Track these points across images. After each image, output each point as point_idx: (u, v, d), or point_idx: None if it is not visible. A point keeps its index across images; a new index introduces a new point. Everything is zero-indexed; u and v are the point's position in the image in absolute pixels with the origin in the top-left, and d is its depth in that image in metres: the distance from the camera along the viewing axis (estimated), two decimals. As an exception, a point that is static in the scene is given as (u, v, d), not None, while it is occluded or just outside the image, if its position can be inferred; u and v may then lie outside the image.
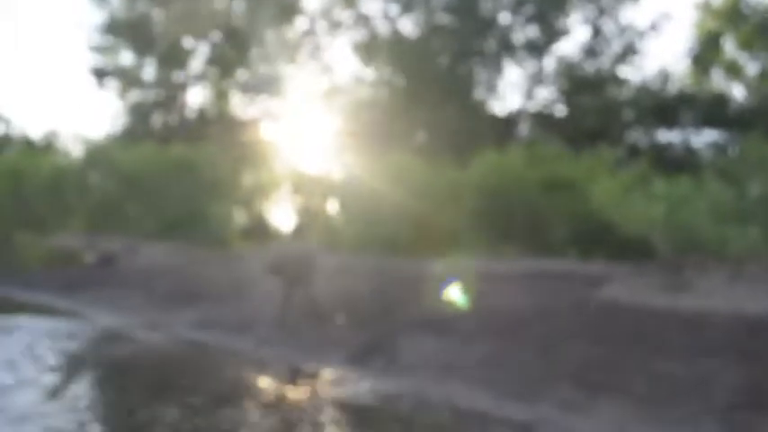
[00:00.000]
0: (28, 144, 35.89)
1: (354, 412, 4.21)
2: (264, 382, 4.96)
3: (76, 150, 29.12)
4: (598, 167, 14.55)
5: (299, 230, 18.61)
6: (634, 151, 16.33)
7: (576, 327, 6.23)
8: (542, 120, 25.09)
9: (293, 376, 4.83)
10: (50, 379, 4.66)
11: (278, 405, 4.34)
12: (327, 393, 4.67)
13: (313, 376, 5.06)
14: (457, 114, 24.11)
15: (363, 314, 6.89)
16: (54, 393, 4.29)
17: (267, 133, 32.87)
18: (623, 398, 4.18)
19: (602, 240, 13.56)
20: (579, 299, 7.82)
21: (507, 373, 4.80)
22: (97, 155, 21.44)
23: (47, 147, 35.54)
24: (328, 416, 4.21)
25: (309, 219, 24.87)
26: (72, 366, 5.27)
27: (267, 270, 6.44)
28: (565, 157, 15.67)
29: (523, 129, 27.09)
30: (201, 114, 32.30)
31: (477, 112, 25.15)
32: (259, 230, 23.98)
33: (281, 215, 30.99)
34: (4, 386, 4.35)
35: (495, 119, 25.93)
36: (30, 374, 4.68)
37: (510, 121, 26.01)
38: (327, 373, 5.11)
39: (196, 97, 33.93)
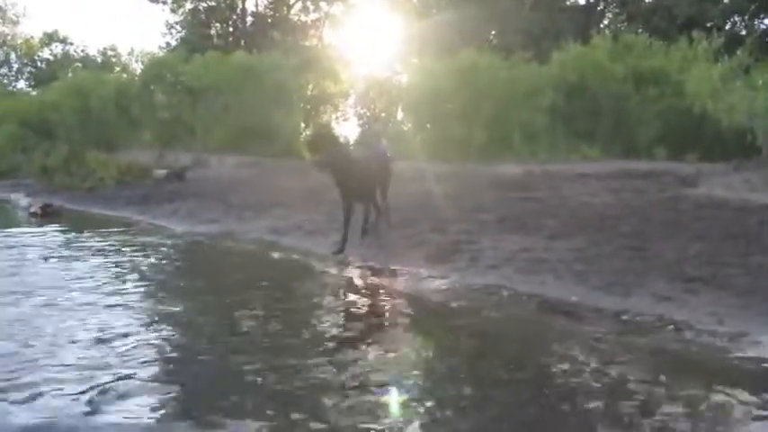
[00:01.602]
0: (88, 62, 37.00)
1: (436, 304, 4.38)
2: (343, 279, 5.20)
3: (137, 66, 29.77)
4: (693, 58, 13.85)
5: (366, 137, 18.56)
6: (734, 40, 15.34)
7: (669, 223, 6.20)
8: (628, 9, 23.77)
9: (373, 273, 5.04)
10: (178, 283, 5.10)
11: (358, 299, 4.55)
12: (409, 288, 4.86)
13: (393, 274, 5.25)
14: (532, 6, 23.13)
15: (441, 218, 7.00)
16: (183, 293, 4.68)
17: (330, 38, 32.66)
18: (720, 291, 4.18)
19: (695, 138, 13.10)
20: (671, 197, 7.73)
21: (598, 267, 4.85)
22: (158, 68, 21.89)
23: (106, 64, 36.54)
24: (408, 307, 4.39)
25: (377, 126, 25.02)
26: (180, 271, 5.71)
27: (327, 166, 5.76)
28: (655, 47, 14.95)
29: (606, 20, 25.81)
30: (261, 20, 32.20)
31: (555, 3, 24.04)
32: (326, 140, 24.28)
33: (349, 124, 31.29)
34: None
35: (574, 9, 24.75)
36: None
37: (591, 12, 24.80)
38: (407, 272, 5.29)
39: (254, 1, 33.79)
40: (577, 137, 13.65)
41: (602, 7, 25.57)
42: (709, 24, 18.87)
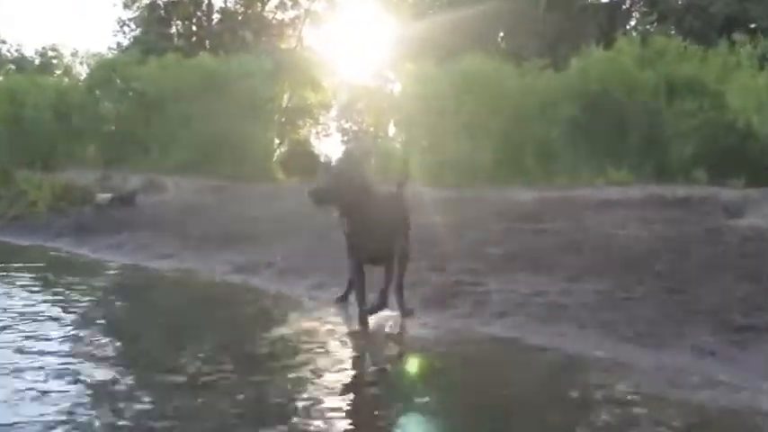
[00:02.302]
0: (23, 63, 37.03)
1: (430, 360, 4.29)
2: (330, 329, 5.09)
3: (82, 69, 29.83)
4: (734, 65, 13.97)
5: (350, 158, 18.66)
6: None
7: (712, 261, 6.16)
8: (658, 7, 24.07)
9: (362, 321, 4.92)
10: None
11: (352, 354, 4.46)
12: (399, 340, 4.77)
13: (384, 320, 5.17)
14: (548, 4, 23.40)
15: (440, 253, 6.95)
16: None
17: (311, 39, 32.88)
18: (777, 344, 4.13)
19: (739, 158, 13.16)
20: (713, 228, 7.71)
21: (627, 315, 4.79)
22: (107, 72, 21.90)
23: (45, 66, 36.57)
24: (405, 362, 4.31)
25: (365, 144, 25.08)
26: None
27: (320, 198, 4.61)
28: (690, 52, 15.08)
29: (633, 20, 26.13)
30: (230, 17, 32.43)
31: (574, 1, 24.34)
32: (305, 161, 24.31)
33: (331, 141, 31.34)
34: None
35: (596, 8, 25.06)
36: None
37: (615, 11, 25.12)
38: (398, 320, 5.21)
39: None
40: (602, 157, 13.67)
41: (627, 6, 25.90)
42: (752, 25, 19.13)
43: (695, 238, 7.36)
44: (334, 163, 4.94)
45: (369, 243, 4.85)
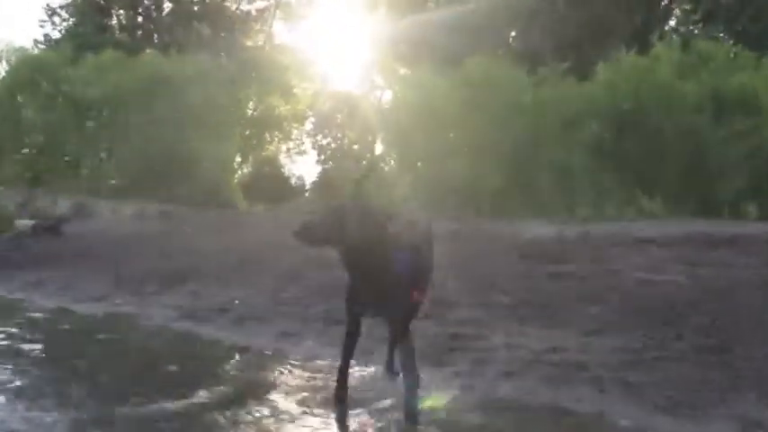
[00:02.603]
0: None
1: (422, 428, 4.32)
2: (287, 389, 5.09)
3: (0, 67, 29.81)
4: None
5: (327, 183, 18.64)
6: None
7: (765, 314, 6.21)
8: (704, 5, 24.39)
9: (338, 393, 4.88)
10: None
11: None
12: (382, 406, 4.77)
13: (369, 381, 5.18)
14: (570, -1, 23.65)
15: (437, 299, 6.96)
16: None
17: (283, 36, 33.10)
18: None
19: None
20: (768, 275, 7.77)
21: (660, 378, 4.83)
22: (31, 72, 21.91)
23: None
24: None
25: (347, 164, 25.18)
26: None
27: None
28: (742, 60, 15.29)
29: (673, 20, 26.44)
30: (184, 8, 32.54)
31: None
32: (271, 183, 24.39)
33: (306, 161, 31.36)
34: None
35: (628, 4, 25.33)
36: None
37: (651, 9, 25.40)
38: (382, 380, 5.21)
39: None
40: (632, 186, 13.78)
41: (666, 2, 26.18)
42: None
43: (745, 285, 7.40)
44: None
45: (373, 293, 4.60)
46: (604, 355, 5.35)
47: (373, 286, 4.54)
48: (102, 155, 19.42)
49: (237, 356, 6.14)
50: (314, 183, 27.54)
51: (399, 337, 4.74)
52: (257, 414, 4.59)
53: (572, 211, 13.22)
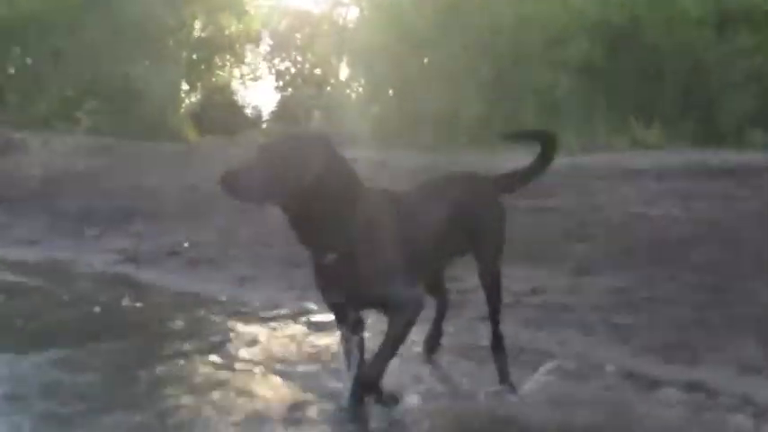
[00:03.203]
0: None
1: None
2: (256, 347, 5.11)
3: None
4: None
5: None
6: None
7: (768, 252, 6.33)
8: None
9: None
10: None
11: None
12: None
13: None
14: None
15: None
16: None
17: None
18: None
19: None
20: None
21: (652, 320, 4.94)
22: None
23: None
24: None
25: (308, 91, 25.03)
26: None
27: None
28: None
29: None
30: None
31: None
32: (224, 113, 24.23)
33: (262, 87, 31.03)
34: None
35: None
36: None
37: None
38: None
39: None
40: (625, 111, 13.86)
41: None
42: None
43: (747, 219, 7.50)
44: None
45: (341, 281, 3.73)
46: (591, 296, 5.45)
47: (344, 268, 3.66)
48: (29, 83, 19.09)
49: (187, 305, 6.14)
50: (272, 112, 27.30)
51: (392, 339, 3.81)
52: (206, 369, 4.59)
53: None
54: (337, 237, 3.58)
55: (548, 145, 4.68)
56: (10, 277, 7.45)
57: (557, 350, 4.67)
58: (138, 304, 6.23)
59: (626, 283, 5.65)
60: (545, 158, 4.68)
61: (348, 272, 3.65)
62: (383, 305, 3.85)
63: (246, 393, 4.13)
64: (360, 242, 3.62)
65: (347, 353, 3.95)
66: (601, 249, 6.56)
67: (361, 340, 3.97)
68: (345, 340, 3.96)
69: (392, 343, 3.80)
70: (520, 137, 4.87)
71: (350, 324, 3.93)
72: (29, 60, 19.45)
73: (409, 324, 3.82)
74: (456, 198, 4.25)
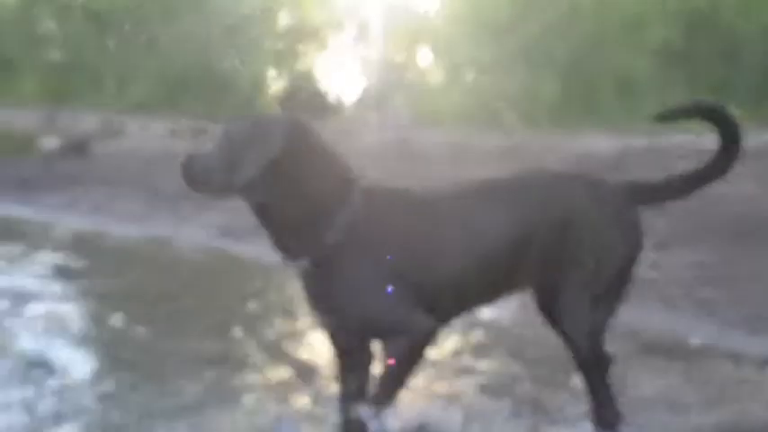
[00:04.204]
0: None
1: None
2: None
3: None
4: None
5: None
6: None
7: None
8: None
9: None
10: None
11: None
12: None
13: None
14: None
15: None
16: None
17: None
18: None
19: None
20: None
21: (735, 294, 4.93)
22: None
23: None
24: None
25: (391, 77, 25.06)
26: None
27: None
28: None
29: None
30: None
31: None
32: (308, 98, 24.39)
33: (343, 74, 31.10)
34: None
35: None
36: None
37: None
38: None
39: None
40: (704, 93, 13.65)
41: None
42: None
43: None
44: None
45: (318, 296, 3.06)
46: (673, 270, 5.44)
47: (321, 280, 3.00)
48: (126, 69, 19.43)
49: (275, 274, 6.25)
50: (355, 99, 27.37)
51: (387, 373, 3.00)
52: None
53: (635, 122, 13.12)
54: (309, 239, 2.90)
55: (726, 128, 3.31)
56: (114, 249, 7.74)
57: (640, 325, 4.68)
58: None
59: (707, 259, 5.66)
60: (727, 154, 3.35)
61: (324, 286, 2.97)
62: (373, 334, 3.05)
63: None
64: (340, 248, 2.90)
65: (342, 396, 3.16)
66: (681, 225, 6.51)
67: (361, 378, 3.15)
68: (341, 379, 3.17)
69: (388, 378, 3.00)
70: (682, 114, 3.24)
71: (347, 356, 3.15)
72: (125, 48, 19.70)
73: (413, 351, 2.96)
74: (537, 207, 3.09)
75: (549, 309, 3.13)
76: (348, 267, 2.90)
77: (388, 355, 2.95)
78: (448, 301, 3.04)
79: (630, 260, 3.18)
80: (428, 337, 2.94)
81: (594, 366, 3.11)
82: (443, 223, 3.03)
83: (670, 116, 3.26)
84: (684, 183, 3.28)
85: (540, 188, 3.16)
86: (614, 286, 3.15)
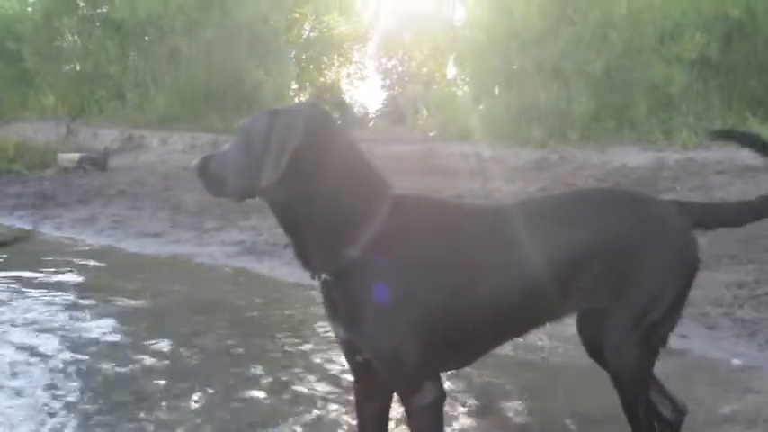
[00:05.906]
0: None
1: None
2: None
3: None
4: None
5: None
6: None
7: None
8: None
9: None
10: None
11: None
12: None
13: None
14: None
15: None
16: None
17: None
18: None
19: None
20: None
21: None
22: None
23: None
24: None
25: (416, 89, 25.07)
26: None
27: None
28: None
29: None
30: None
31: None
32: (332, 110, 24.45)
33: (369, 86, 31.17)
34: None
35: None
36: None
37: None
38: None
39: None
40: (742, 106, 13.52)
41: None
42: None
43: None
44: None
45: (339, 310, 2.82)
46: (713, 290, 5.37)
47: (339, 295, 2.77)
48: (148, 81, 19.51)
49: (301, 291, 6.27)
50: (379, 110, 27.46)
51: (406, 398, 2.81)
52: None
53: (671, 136, 13.04)
54: (329, 250, 2.68)
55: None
56: (133, 267, 7.71)
57: (679, 345, 4.63)
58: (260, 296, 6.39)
59: (746, 278, 5.58)
60: None
61: (343, 302, 2.73)
62: (383, 364, 2.77)
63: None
64: (360, 265, 2.66)
65: (359, 425, 3.03)
66: (721, 244, 6.44)
67: (381, 409, 3.00)
68: (357, 408, 3.03)
69: None
70: (741, 141, 3.20)
71: (365, 381, 2.95)
72: (147, 60, 19.79)
73: (433, 411, 2.75)
74: (589, 227, 2.86)
75: (595, 340, 2.90)
76: (365, 289, 2.66)
77: (409, 405, 2.75)
78: (483, 334, 2.85)
79: (688, 285, 2.93)
80: (440, 404, 2.74)
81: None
82: (483, 243, 2.78)
83: (726, 136, 3.44)
84: (741, 213, 3.04)
85: (592, 206, 2.93)
86: (670, 313, 2.92)
